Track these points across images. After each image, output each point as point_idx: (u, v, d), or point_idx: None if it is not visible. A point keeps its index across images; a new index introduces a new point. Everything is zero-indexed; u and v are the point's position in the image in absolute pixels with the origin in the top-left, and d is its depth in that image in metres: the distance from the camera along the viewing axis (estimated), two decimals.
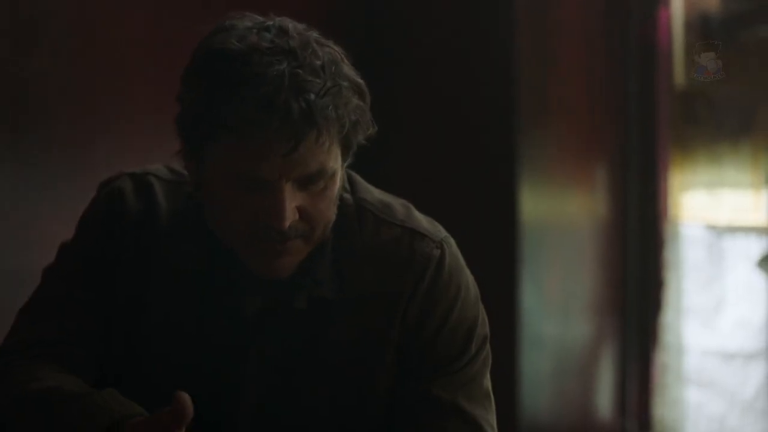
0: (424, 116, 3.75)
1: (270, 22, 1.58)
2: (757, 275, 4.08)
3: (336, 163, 1.59)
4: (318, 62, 1.54)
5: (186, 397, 1.43)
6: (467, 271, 1.75)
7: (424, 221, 1.75)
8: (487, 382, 1.75)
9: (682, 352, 4.22)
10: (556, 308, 3.89)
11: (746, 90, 4.02)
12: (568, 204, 3.99)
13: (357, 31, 3.74)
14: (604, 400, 4.19)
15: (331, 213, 1.64)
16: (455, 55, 3.70)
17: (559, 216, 3.92)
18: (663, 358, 4.24)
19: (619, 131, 4.20)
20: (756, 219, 4.10)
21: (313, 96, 1.51)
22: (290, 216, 1.58)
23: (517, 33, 3.63)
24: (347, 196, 1.72)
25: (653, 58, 4.19)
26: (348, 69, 1.59)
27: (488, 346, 1.75)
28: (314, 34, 1.59)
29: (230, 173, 1.57)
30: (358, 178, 1.78)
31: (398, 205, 1.76)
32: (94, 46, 2.89)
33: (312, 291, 1.67)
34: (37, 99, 2.78)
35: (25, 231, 2.73)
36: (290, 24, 1.59)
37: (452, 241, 1.74)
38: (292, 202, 1.57)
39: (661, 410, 4.26)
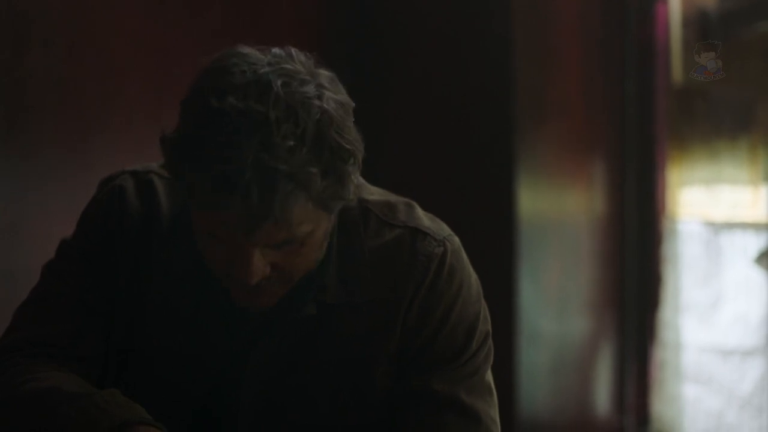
0: (422, 114, 3.75)
1: (263, 69, 1.50)
2: (754, 271, 4.08)
3: (312, 224, 1.55)
4: (290, 142, 1.46)
5: None
6: (469, 268, 1.75)
7: (426, 220, 1.74)
8: (489, 377, 1.75)
9: (680, 349, 4.22)
10: (554, 304, 3.89)
11: (744, 87, 4.03)
12: (566, 201, 3.99)
13: (355, 28, 3.75)
14: (602, 395, 4.20)
15: (313, 260, 1.62)
16: (452, 53, 3.70)
17: (557, 212, 3.93)
18: (661, 354, 4.25)
19: (616, 128, 4.20)
20: (754, 215, 4.10)
21: (276, 184, 1.45)
22: (259, 274, 1.55)
23: (515, 30, 3.63)
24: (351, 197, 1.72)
25: (651, 55, 4.19)
26: (335, 132, 1.50)
27: (490, 342, 1.75)
28: (311, 87, 1.51)
29: (199, 223, 1.56)
30: (359, 178, 1.78)
31: (401, 204, 1.75)
32: (88, 42, 2.89)
33: (318, 296, 1.66)
34: (32, 96, 2.78)
35: (21, 228, 2.73)
36: (286, 71, 1.51)
37: (455, 239, 1.74)
38: (261, 261, 1.55)
39: (658, 406, 4.27)
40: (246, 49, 1.55)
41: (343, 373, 1.68)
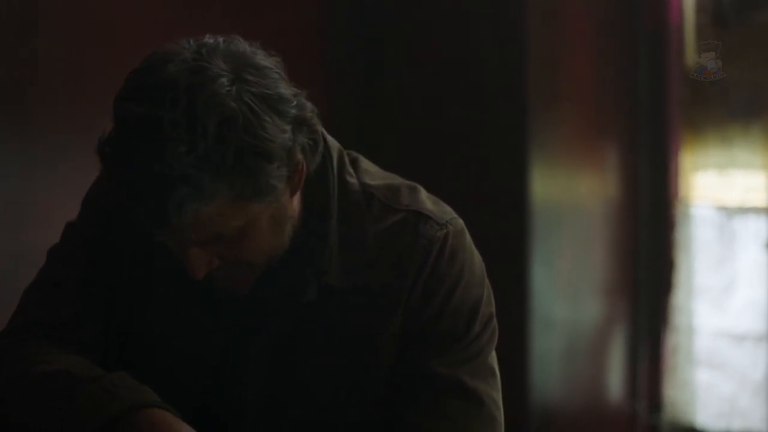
0: (434, 99, 3.75)
1: (174, 69, 1.50)
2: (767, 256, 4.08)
3: (240, 219, 1.55)
4: (183, 147, 1.45)
5: None
6: (472, 250, 1.74)
7: (429, 203, 1.73)
8: (492, 360, 1.74)
9: (693, 334, 4.22)
10: (567, 290, 3.89)
11: (757, 71, 4.01)
12: (579, 185, 3.99)
13: (370, 12, 3.74)
14: (615, 381, 4.20)
15: (270, 245, 1.62)
16: (465, 38, 3.69)
17: (570, 197, 3.92)
18: (673, 339, 4.24)
19: (630, 112, 4.19)
20: (767, 200, 4.09)
21: (167, 190, 1.46)
22: (202, 268, 1.58)
23: (527, 14, 3.62)
24: (353, 181, 1.71)
25: (664, 39, 4.18)
26: (242, 129, 1.48)
27: (494, 324, 1.74)
28: (222, 83, 1.49)
29: None
30: (364, 162, 1.77)
31: (404, 188, 1.74)
32: (96, 25, 2.89)
33: (319, 279, 1.66)
34: (39, 80, 2.78)
35: (29, 211, 2.74)
36: (198, 68, 1.50)
37: (458, 222, 1.73)
38: (200, 256, 1.57)
39: (671, 391, 4.26)
40: (172, 46, 1.55)
41: (346, 356, 1.68)
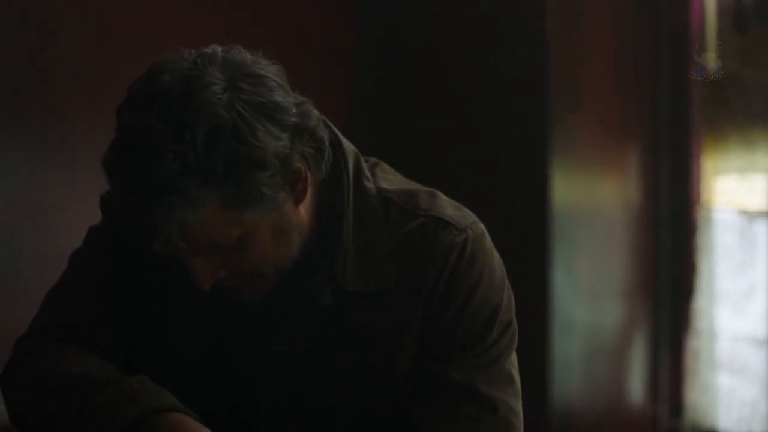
0: (457, 104, 3.75)
1: (167, 78, 1.52)
2: None
3: (236, 228, 1.55)
4: (170, 155, 1.46)
5: None
6: (493, 255, 1.73)
7: (449, 208, 1.73)
8: (509, 366, 1.73)
9: (714, 338, 4.20)
10: (588, 293, 3.88)
11: None
12: (600, 189, 3.98)
13: (393, 15, 3.75)
14: (636, 385, 4.19)
15: (273, 258, 1.62)
16: (487, 42, 3.70)
17: (591, 201, 3.92)
18: (695, 343, 4.23)
19: (651, 116, 4.18)
20: None
21: (154, 197, 1.47)
22: (208, 277, 1.59)
23: (549, 19, 3.63)
24: (370, 186, 1.71)
25: (685, 42, 4.17)
26: (232, 138, 1.49)
27: (513, 330, 1.73)
28: (215, 92, 1.50)
29: None
30: (383, 167, 1.77)
31: (423, 193, 1.74)
32: (119, 26, 2.90)
33: (336, 284, 1.66)
34: (61, 82, 2.79)
35: (51, 214, 2.75)
36: (191, 77, 1.52)
37: (479, 226, 1.73)
38: (204, 266, 1.58)
39: (692, 395, 4.25)
40: (172, 56, 1.56)
41: (364, 361, 1.68)
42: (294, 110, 1.57)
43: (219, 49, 1.58)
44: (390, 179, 1.75)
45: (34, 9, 2.78)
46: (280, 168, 1.54)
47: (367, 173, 1.72)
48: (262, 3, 3.24)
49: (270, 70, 1.58)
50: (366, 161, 1.75)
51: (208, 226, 1.52)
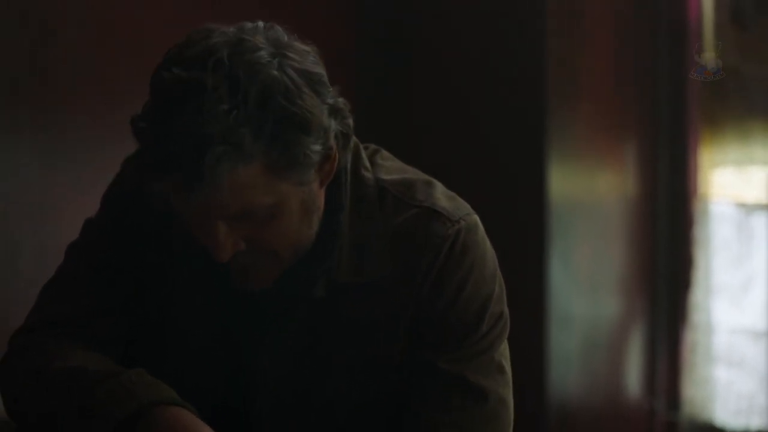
0: (456, 97, 3.75)
1: (215, 40, 1.52)
2: None
3: (271, 196, 1.55)
4: (224, 106, 1.46)
5: None
6: (485, 247, 1.73)
7: (444, 199, 1.73)
8: (500, 356, 1.73)
9: (711, 331, 4.21)
10: (585, 286, 3.88)
11: None
12: (597, 182, 3.98)
13: (393, 12, 3.75)
14: (633, 378, 4.19)
15: (296, 234, 1.62)
16: (485, 35, 3.70)
17: (588, 194, 3.92)
18: (692, 336, 4.23)
19: (648, 109, 4.18)
20: None
21: (205, 147, 1.46)
22: (228, 249, 1.56)
23: (549, 17, 3.63)
24: (368, 176, 1.71)
25: (683, 35, 4.17)
26: (283, 98, 1.51)
27: (504, 321, 1.73)
28: (263, 54, 1.52)
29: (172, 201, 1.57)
30: (383, 154, 1.77)
31: (420, 183, 1.74)
32: (119, 20, 2.90)
33: (330, 275, 1.66)
34: (61, 75, 2.79)
35: (51, 213, 2.75)
36: (239, 40, 1.53)
37: (472, 218, 1.73)
38: (228, 235, 1.56)
39: (690, 389, 4.26)
40: (211, 26, 1.57)
41: (360, 352, 1.68)
42: (331, 89, 1.59)
43: (260, 22, 1.59)
44: (388, 167, 1.75)
45: (34, 9, 2.77)
46: (322, 137, 1.55)
47: (366, 163, 1.73)
48: (262, 3, 3.24)
49: (309, 49, 1.60)
50: (366, 148, 1.75)
51: (248, 187, 1.51)
